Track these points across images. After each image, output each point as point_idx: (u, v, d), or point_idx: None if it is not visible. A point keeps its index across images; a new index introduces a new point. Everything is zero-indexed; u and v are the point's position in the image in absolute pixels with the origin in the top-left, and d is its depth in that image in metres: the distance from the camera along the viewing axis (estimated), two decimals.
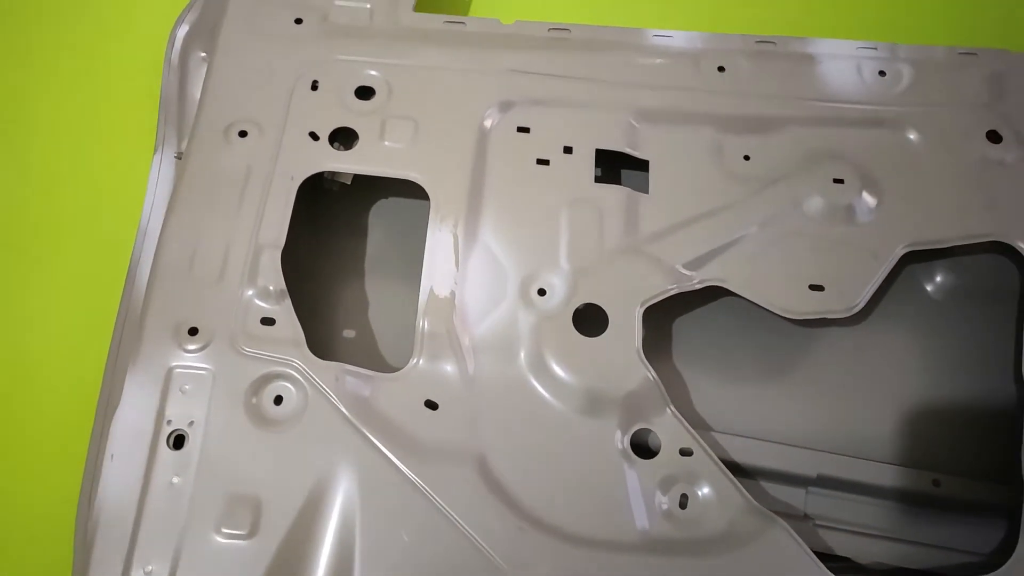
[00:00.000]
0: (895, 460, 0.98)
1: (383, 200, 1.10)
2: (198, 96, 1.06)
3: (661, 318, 1.03)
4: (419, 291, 0.89)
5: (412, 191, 1.00)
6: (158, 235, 0.92)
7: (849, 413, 1.02)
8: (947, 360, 1.05)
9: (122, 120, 1.17)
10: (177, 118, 1.07)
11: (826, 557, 0.84)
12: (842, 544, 0.94)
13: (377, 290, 1.05)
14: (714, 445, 0.90)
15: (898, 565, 0.92)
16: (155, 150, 1.07)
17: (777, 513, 0.83)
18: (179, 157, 1.02)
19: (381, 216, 1.10)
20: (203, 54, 1.07)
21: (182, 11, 1.10)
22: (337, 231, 1.07)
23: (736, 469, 0.91)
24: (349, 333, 1.01)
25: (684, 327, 1.05)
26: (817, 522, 0.95)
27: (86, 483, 0.91)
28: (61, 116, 1.19)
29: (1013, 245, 0.95)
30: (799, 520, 0.94)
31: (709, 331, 1.05)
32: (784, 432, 1.00)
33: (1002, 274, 1.03)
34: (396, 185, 1.04)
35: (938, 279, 1.09)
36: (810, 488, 0.96)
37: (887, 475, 0.96)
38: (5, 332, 1.07)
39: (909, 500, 0.96)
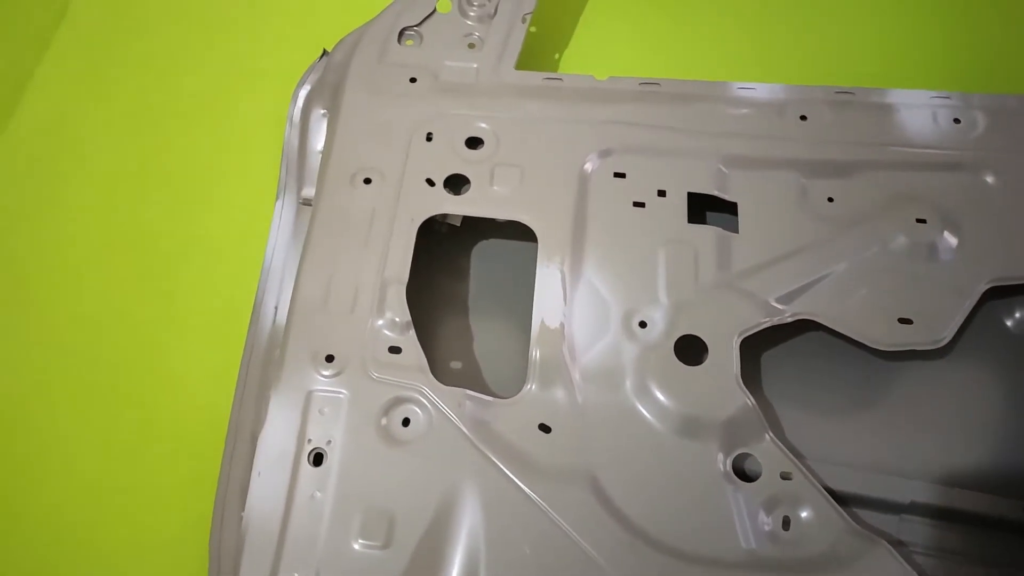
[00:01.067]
0: (984, 488, 1.01)
1: (483, 242, 1.18)
2: (317, 148, 1.16)
3: (750, 351, 1.08)
4: (530, 324, 0.97)
5: (509, 234, 1.07)
6: (294, 272, 1.01)
7: (934, 443, 1.05)
8: None
9: (247, 169, 1.29)
10: (298, 168, 1.17)
11: None
12: (936, 571, 0.96)
13: (478, 325, 1.13)
14: (808, 471, 0.94)
15: None
16: (277, 197, 1.17)
17: None
18: (306, 203, 1.12)
19: (481, 257, 1.18)
20: (323, 111, 1.17)
21: (304, 73, 1.21)
22: (442, 270, 1.15)
23: (830, 495, 0.95)
24: (456, 364, 1.09)
25: (771, 360, 1.10)
26: (911, 548, 0.98)
27: (219, 501, 0.98)
28: (194, 163, 1.31)
29: None
30: (893, 546, 0.97)
31: (795, 363, 1.10)
32: (870, 462, 1.04)
33: None
34: (495, 228, 1.13)
35: (1017, 315, 1.13)
36: (903, 515, 1.00)
37: (979, 503, 0.99)
38: (143, 360, 1.16)
39: (1002, 527, 0.99)
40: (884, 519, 0.99)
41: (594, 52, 1.37)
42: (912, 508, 0.99)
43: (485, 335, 1.12)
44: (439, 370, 1.08)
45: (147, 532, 1.05)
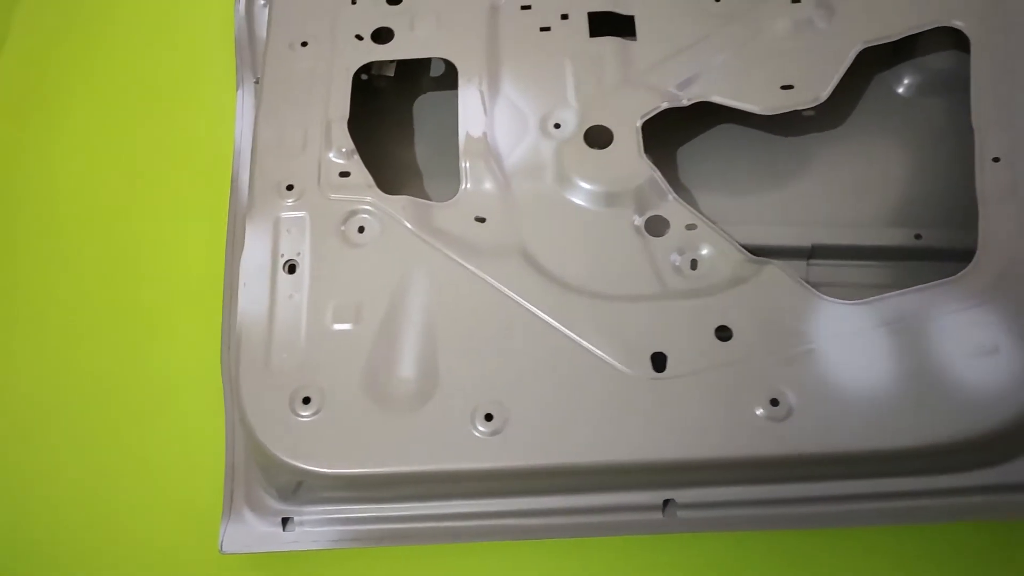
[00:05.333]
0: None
1: (422, 96, 1.32)
2: (263, 35, 1.31)
3: (666, 148, 1.22)
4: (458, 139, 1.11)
5: (446, 84, 1.20)
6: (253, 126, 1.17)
7: (837, 201, 1.19)
8: (926, 144, 1.21)
9: (205, 67, 1.45)
10: (251, 58, 1.32)
11: None
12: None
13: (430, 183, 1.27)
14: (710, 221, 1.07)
15: None
16: (237, 87, 1.32)
17: None
18: (258, 81, 1.27)
19: (422, 112, 1.32)
20: (262, 2, 1.32)
21: None
22: (387, 129, 1.29)
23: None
24: None
25: (688, 154, 1.24)
26: (821, 287, 1.11)
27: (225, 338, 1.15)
28: (152, 72, 1.48)
29: (952, 25, 1.11)
30: None
31: (709, 154, 1.23)
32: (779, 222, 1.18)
33: (960, 65, 1.18)
34: (431, 83, 1.28)
35: (906, 81, 1.25)
36: (810, 260, 1.14)
37: (873, 236, 1.13)
38: (126, 244, 1.34)
39: (898, 256, 1.13)
40: (794, 266, 1.13)
41: None
42: (815, 251, 1.13)
43: (433, 176, 1.26)
44: None
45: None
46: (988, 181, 1.02)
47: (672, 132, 1.23)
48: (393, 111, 1.31)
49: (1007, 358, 0.92)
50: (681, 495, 0.96)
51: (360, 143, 1.14)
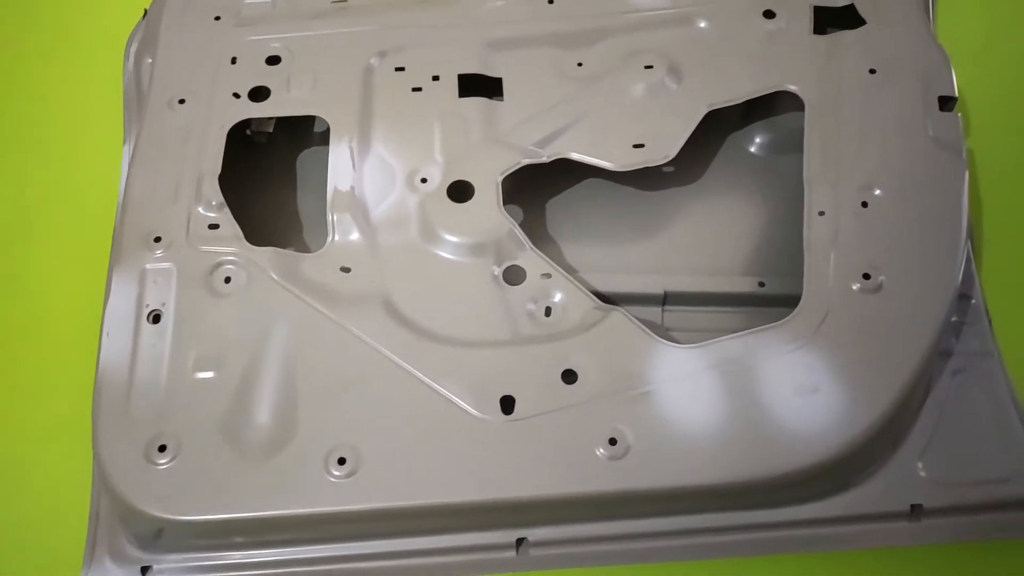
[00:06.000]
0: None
1: (306, 151, 1.37)
2: None
3: (536, 201, 1.29)
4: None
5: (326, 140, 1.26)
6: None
7: (692, 252, 1.27)
8: (773, 199, 1.30)
9: (93, 121, 1.47)
10: (138, 112, 1.35)
11: None
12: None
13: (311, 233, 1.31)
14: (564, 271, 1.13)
15: None
16: (124, 141, 1.35)
17: None
18: None
19: (308, 165, 1.36)
20: (150, 60, 1.36)
21: (132, 30, 1.40)
22: (272, 181, 1.34)
23: (599, 298, 1.14)
24: None
25: (557, 206, 1.31)
26: (672, 332, 1.18)
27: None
28: (44, 125, 1.50)
29: (787, 90, 1.22)
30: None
31: (576, 207, 1.31)
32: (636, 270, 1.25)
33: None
34: (313, 138, 1.33)
35: (757, 140, 1.35)
36: (664, 307, 1.20)
37: (721, 283, 1.20)
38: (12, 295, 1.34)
39: (744, 303, 1.20)
40: (650, 312, 1.20)
41: None
42: (668, 298, 1.19)
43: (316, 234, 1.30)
44: None
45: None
46: (813, 232, 1.11)
47: (542, 186, 1.30)
48: (279, 164, 1.36)
49: (826, 397, 1.00)
50: (533, 533, 1.00)
51: (242, 196, 1.18)
